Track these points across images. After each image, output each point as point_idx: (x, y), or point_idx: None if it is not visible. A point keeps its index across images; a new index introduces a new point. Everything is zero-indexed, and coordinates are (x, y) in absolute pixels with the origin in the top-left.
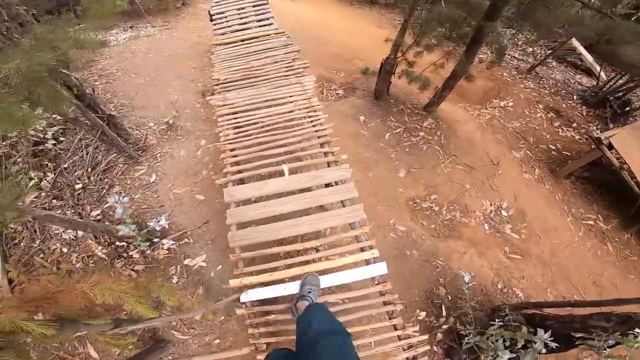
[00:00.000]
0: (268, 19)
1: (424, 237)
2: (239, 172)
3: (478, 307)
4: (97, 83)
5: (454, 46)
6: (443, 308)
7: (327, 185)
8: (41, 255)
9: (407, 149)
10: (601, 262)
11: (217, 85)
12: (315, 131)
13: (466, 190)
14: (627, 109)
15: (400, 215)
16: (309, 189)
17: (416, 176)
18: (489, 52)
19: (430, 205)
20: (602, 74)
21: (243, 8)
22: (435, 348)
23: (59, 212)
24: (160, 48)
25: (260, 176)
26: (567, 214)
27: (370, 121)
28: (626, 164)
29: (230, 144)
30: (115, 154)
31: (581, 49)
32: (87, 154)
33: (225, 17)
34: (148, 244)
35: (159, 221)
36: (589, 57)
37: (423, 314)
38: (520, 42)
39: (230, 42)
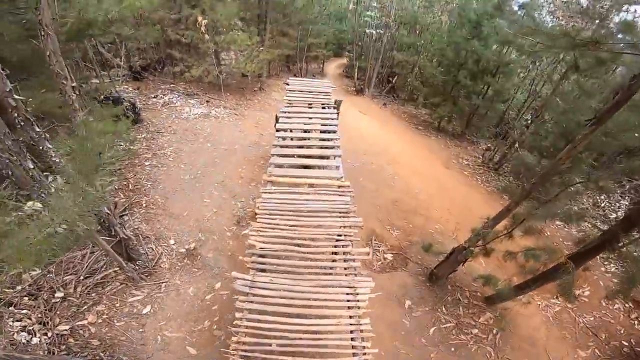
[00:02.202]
0: (335, 157)
1: None
2: None
3: None
4: (146, 163)
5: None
6: None
7: None
8: None
9: (453, 349)
10: None
11: (251, 254)
12: None
13: None
14: None
15: None
16: None
17: None
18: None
19: None
20: None
21: (309, 131)
22: None
23: (24, 311)
24: (220, 137)
25: None
26: None
27: (417, 308)
28: None
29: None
30: (117, 270)
31: None
32: (91, 253)
33: (290, 138)
34: None
35: None
36: None
37: None
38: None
39: (285, 182)
